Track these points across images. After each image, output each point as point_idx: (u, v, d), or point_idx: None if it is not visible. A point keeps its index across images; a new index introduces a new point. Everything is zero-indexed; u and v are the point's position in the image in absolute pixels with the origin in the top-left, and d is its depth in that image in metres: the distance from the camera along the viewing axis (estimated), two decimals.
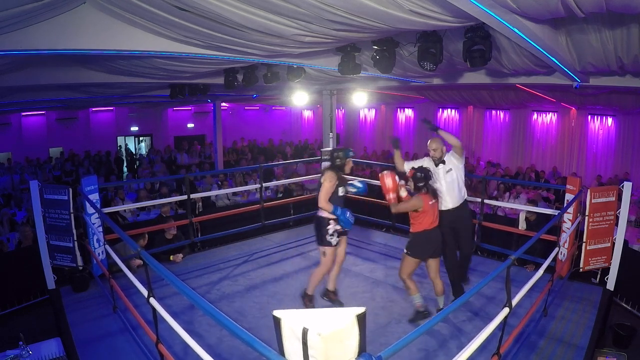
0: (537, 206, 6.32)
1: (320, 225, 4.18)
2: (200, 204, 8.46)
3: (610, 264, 4.86)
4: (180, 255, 5.95)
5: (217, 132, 13.48)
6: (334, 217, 4.13)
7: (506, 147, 13.89)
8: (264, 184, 6.96)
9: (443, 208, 4.45)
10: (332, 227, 4.16)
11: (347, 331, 1.70)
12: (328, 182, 4.10)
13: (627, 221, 5.58)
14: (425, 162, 4.59)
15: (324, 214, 4.16)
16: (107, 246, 4.57)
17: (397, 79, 7.42)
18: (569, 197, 5.22)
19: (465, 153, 4.95)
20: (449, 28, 4.06)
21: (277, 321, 1.80)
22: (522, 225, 5.93)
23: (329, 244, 4.18)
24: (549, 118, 12.96)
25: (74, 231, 4.95)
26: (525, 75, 6.29)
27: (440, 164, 4.54)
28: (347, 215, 4.16)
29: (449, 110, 15.14)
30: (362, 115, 18.13)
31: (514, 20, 3.20)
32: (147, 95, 10.02)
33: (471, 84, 8.35)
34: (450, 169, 4.52)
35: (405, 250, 4.19)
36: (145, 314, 3.59)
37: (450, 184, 4.50)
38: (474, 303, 4.55)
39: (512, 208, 7.72)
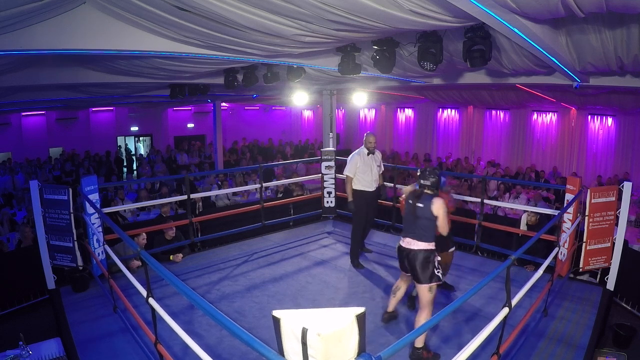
0: (536, 206, 6.32)
1: (428, 261, 3.66)
2: (200, 204, 8.46)
3: (610, 264, 4.86)
4: (180, 255, 5.95)
5: (217, 132, 13.49)
6: (434, 247, 3.76)
7: (506, 147, 13.89)
8: (264, 184, 6.97)
9: (370, 190, 5.65)
10: (437, 258, 3.73)
11: (347, 331, 1.70)
12: (445, 209, 3.68)
13: (627, 221, 5.59)
14: (359, 152, 5.62)
15: (425, 246, 3.68)
16: (106, 246, 4.58)
17: (397, 79, 7.42)
18: (569, 197, 5.22)
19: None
20: (449, 28, 4.06)
21: (276, 321, 1.80)
22: (523, 228, 5.92)
23: (439, 278, 3.70)
24: (549, 118, 12.96)
25: (74, 231, 4.95)
26: (525, 75, 6.29)
27: (370, 154, 5.64)
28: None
29: (449, 110, 15.14)
30: (362, 115, 18.12)
31: (514, 20, 3.20)
32: (147, 95, 10.02)
33: (471, 84, 8.34)
34: (379, 163, 5.80)
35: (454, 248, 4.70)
36: (145, 314, 3.60)
37: (378, 170, 5.72)
38: (474, 303, 4.56)
39: (512, 208, 7.73)
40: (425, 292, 3.67)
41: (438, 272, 3.68)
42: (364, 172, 5.57)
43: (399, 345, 2.02)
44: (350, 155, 5.73)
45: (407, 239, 3.74)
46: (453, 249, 4.80)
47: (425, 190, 3.72)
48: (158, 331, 3.11)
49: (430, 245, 3.70)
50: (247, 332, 1.98)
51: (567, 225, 5.07)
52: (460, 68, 6.11)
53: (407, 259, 3.73)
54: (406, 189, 4.04)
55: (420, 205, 3.68)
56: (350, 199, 5.65)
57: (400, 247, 3.83)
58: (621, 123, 11.60)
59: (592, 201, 4.94)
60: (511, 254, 3.13)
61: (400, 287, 4.12)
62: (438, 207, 3.63)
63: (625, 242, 4.90)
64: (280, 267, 5.75)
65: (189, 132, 17.10)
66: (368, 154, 5.62)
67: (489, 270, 5.03)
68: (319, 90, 10.02)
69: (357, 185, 5.63)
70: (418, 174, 3.81)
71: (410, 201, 3.76)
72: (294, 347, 1.73)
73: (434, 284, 3.67)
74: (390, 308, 4.23)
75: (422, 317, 3.64)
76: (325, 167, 7.50)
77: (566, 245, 5.05)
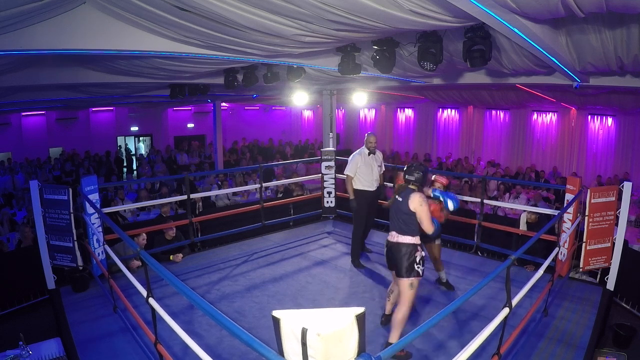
0: (536, 206, 6.32)
1: (408, 254, 3.64)
2: (200, 204, 8.46)
3: (610, 264, 4.86)
4: (180, 255, 5.95)
5: (217, 132, 13.49)
6: (419, 242, 3.76)
7: (506, 147, 13.88)
8: (264, 184, 6.97)
9: (371, 189, 5.70)
10: (419, 254, 3.69)
11: (347, 331, 1.70)
12: (426, 206, 3.65)
13: (627, 221, 5.58)
14: (360, 152, 5.69)
15: (408, 239, 3.67)
16: (106, 246, 4.58)
17: (397, 79, 7.42)
18: (569, 197, 5.22)
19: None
20: (449, 28, 4.06)
21: (276, 321, 1.80)
22: (522, 227, 5.92)
23: (419, 274, 3.66)
24: (549, 118, 12.96)
25: (74, 231, 4.95)
26: (525, 75, 6.28)
27: (371, 154, 5.69)
28: (451, 196, 4.21)
29: (449, 110, 15.14)
30: (362, 115, 18.12)
31: (514, 20, 3.20)
32: (147, 95, 10.02)
33: (471, 84, 8.34)
34: (380, 163, 5.86)
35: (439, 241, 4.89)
36: (145, 314, 3.60)
37: (378, 170, 5.78)
38: (474, 303, 4.56)
39: (512, 208, 7.73)
40: (406, 286, 3.64)
41: (419, 267, 3.66)
42: (364, 171, 5.64)
43: (399, 345, 2.02)
44: (352, 155, 5.79)
45: (392, 233, 3.77)
46: (438, 241, 4.89)
47: (410, 186, 3.75)
48: (158, 331, 3.11)
49: (414, 240, 3.68)
50: (247, 332, 1.98)
51: (567, 225, 5.07)
52: (460, 68, 6.11)
53: (390, 252, 3.77)
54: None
55: (400, 199, 3.73)
56: (351, 197, 5.71)
57: (386, 241, 3.87)
58: (621, 123, 11.60)
59: (592, 201, 4.94)
60: (511, 254, 3.13)
61: (394, 290, 4.09)
62: (415, 203, 3.62)
63: (625, 242, 4.90)
64: (280, 267, 5.75)
65: (189, 132, 17.10)
66: (369, 154, 5.68)
67: (489, 270, 5.03)
68: (319, 90, 10.02)
69: (358, 185, 5.68)
70: (404, 169, 3.85)
71: (396, 195, 3.82)
72: (294, 347, 1.73)
73: (414, 279, 3.65)
74: (387, 311, 4.21)
75: (401, 314, 3.62)
76: (325, 167, 7.50)
77: (566, 245, 5.05)
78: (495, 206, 8.17)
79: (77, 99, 9.69)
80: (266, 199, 7.62)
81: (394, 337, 3.61)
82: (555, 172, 12.18)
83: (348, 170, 5.68)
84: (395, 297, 4.12)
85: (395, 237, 3.75)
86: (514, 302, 3.05)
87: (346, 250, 6.18)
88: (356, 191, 5.69)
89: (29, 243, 6.08)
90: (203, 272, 5.57)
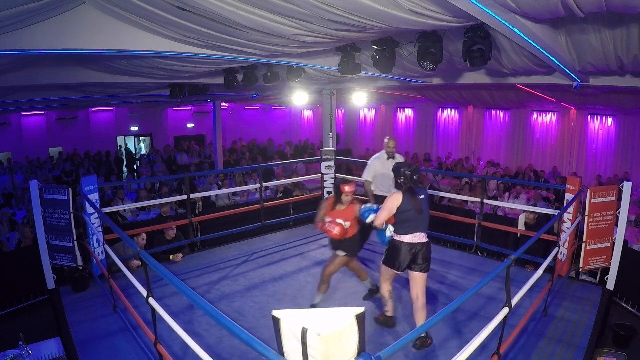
0: (536, 206, 6.31)
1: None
2: (200, 204, 8.46)
3: (610, 264, 4.86)
4: (180, 255, 5.95)
5: (217, 132, 13.48)
6: None
7: (506, 147, 13.89)
8: (264, 184, 6.97)
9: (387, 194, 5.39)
10: None
11: (347, 331, 1.70)
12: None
13: (627, 221, 5.58)
14: (379, 157, 5.70)
15: (427, 236, 3.91)
16: (106, 246, 4.58)
17: (397, 79, 7.43)
18: (569, 197, 5.22)
19: None
20: (449, 28, 4.07)
21: (276, 321, 1.80)
22: (521, 227, 5.92)
23: None
24: (549, 118, 12.96)
25: (74, 231, 4.95)
26: (525, 75, 6.29)
27: (390, 159, 5.60)
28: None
29: (449, 110, 15.14)
30: (362, 115, 18.13)
31: (514, 20, 3.20)
32: (147, 95, 10.02)
33: (471, 84, 8.35)
34: None
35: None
36: (145, 314, 3.60)
37: None
38: (474, 303, 4.55)
39: (512, 208, 7.73)
40: (426, 280, 3.90)
41: None
42: (383, 177, 5.57)
43: (399, 345, 2.02)
44: (370, 160, 5.79)
45: (418, 234, 3.80)
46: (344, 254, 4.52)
47: (410, 185, 3.80)
48: (158, 331, 3.11)
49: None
50: (247, 332, 1.98)
51: (567, 225, 5.07)
52: (460, 68, 6.11)
53: (420, 253, 3.80)
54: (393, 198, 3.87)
55: (422, 197, 3.85)
56: (372, 202, 5.45)
57: (407, 244, 3.78)
58: (621, 123, 11.61)
59: (592, 201, 4.94)
60: (511, 254, 3.13)
61: (390, 290, 4.13)
62: None
63: (625, 242, 4.90)
64: (280, 267, 5.75)
65: (189, 132, 17.09)
66: (388, 159, 5.61)
67: (489, 270, 5.02)
68: (319, 90, 10.02)
69: (376, 191, 5.65)
70: (410, 172, 3.78)
71: (412, 200, 3.75)
72: (294, 347, 1.73)
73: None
74: (392, 312, 4.20)
75: (423, 304, 3.85)
76: (325, 167, 7.50)
77: (566, 245, 5.05)
78: (495, 206, 8.16)
79: (77, 99, 9.69)
80: (266, 199, 7.61)
81: (422, 320, 3.83)
82: (555, 172, 12.18)
83: (366, 175, 5.65)
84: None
85: (422, 237, 3.82)
86: (514, 302, 3.05)
87: None
88: (375, 197, 5.59)
89: (29, 243, 6.08)
90: (203, 272, 5.57)
